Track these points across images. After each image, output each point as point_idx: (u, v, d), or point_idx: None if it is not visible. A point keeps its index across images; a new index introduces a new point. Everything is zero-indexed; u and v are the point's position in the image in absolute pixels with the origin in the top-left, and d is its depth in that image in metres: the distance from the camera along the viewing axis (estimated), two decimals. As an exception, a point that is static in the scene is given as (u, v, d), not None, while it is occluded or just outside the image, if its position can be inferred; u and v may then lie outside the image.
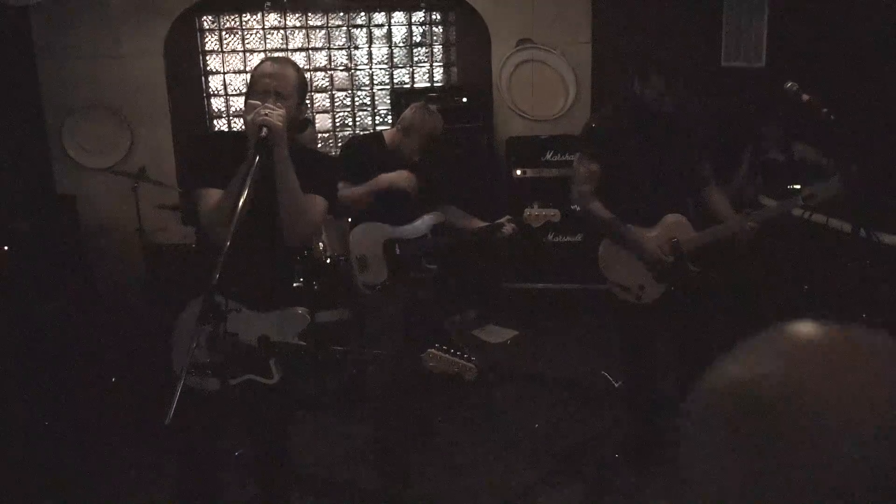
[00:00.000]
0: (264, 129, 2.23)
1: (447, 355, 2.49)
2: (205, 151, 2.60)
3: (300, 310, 2.54)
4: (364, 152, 3.41)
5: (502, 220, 3.48)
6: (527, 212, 3.45)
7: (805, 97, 2.91)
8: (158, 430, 3.60)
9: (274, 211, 2.40)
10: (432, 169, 3.54)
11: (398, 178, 3.32)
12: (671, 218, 3.18)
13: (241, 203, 2.09)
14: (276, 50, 5.65)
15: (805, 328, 0.66)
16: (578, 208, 3.29)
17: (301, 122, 2.77)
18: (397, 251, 3.39)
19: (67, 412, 3.92)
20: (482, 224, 3.55)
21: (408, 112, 3.47)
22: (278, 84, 2.38)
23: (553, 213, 3.42)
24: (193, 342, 2.07)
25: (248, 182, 2.13)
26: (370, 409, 3.72)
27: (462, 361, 2.48)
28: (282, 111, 2.31)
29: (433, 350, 2.51)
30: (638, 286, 3.22)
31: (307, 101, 2.52)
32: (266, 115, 2.27)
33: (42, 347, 4.13)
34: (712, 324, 3.35)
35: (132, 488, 3.41)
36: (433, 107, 3.56)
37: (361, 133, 5.77)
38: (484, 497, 3.31)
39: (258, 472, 2.84)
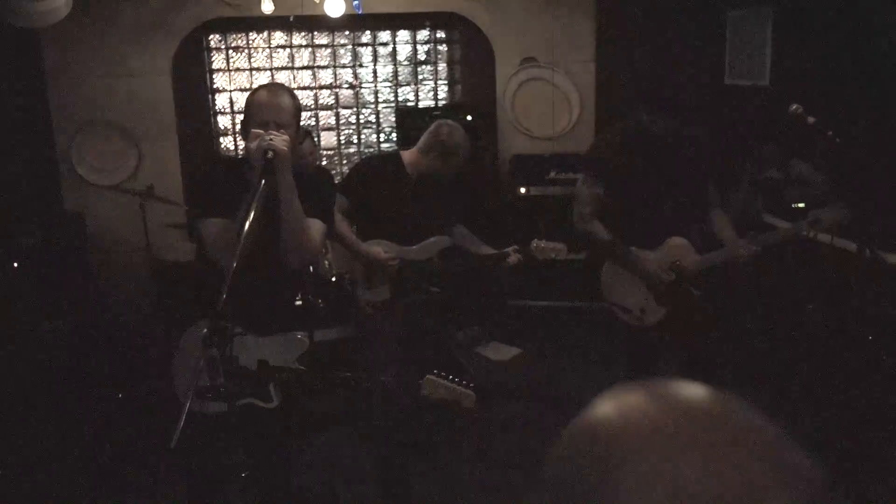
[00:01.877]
0: (270, 153, 2.27)
1: (445, 381, 2.48)
2: (207, 180, 2.61)
3: (300, 334, 2.57)
4: (378, 174, 3.42)
5: (509, 249, 3.47)
6: (534, 244, 3.45)
7: (810, 120, 2.93)
8: (163, 450, 3.64)
9: (276, 235, 2.42)
10: (443, 189, 3.55)
11: (377, 254, 3.32)
12: (674, 241, 3.19)
13: (246, 227, 2.13)
14: (282, 69, 5.71)
15: (673, 388, 0.65)
16: (579, 229, 3.30)
17: (301, 134, 2.80)
18: (402, 271, 3.40)
19: (72, 430, 3.94)
20: (489, 251, 3.55)
21: (434, 130, 3.39)
22: (276, 115, 2.41)
23: (560, 249, 3.41)
24: (199, 365, 2.10)
25: (254, 207, 2.17)
26: (371, 428, 3.72)
27: (460, 388, 2.46)
28: (286, 137, 2.36)
29: (431, 377, 2.49)
30: (639, 309, 3.23)
31: (308, 122, 2.56)
32: (271, 140, 2.31)
33: (48, 364, 4.16)
34: (713, 348, 3.36)
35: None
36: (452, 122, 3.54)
37: (379, 153, 5.76)
38: (487, 517, 3.31)
39: (259, 495, 2.85)
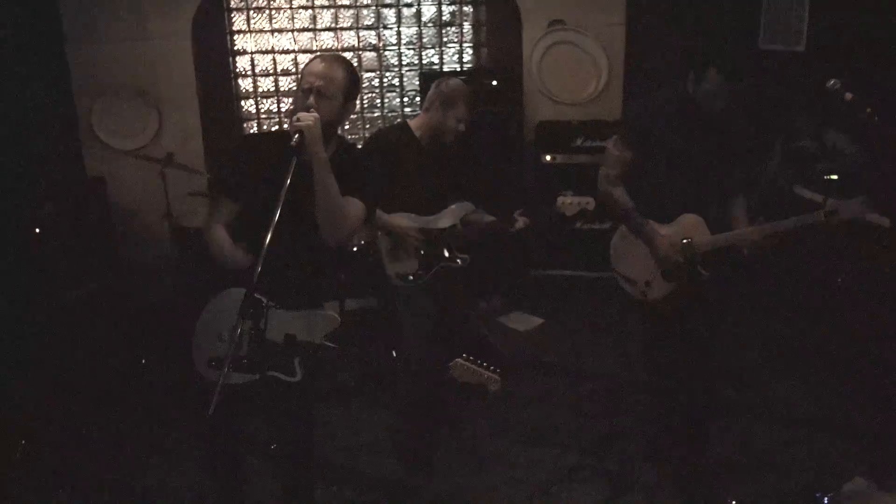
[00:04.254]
0: (296, 137, 2.29)
1: (473, 366, 2.50)
2: (232, 160, 2.61)
3: (330, 312, 2.56)
4: (391, 145, 3.36)
5: (515, 214, 3.46)
6: (560, 199, 3.41)
7: (848, 96, 2.80)
8: (186, 417, 3.69)
9: (308, 211, 2.40)
10: (456, 159, 3.50)
11: (402, 227, 3.32)
12: (688, 218, 3.10)
13: (279, 206, 2.16)
14: (304, 30, 5.60)
15: None
16: (601, 190, 3.23)
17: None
18: (428, 242, 3.37)
19: (96, 398, 3.98)
20: (492, 219, 3.52)
21: (437, 88, 3.37)
22: (323, 84, 2.41)
23: (587, 201, 3.37)
24: (235, 335, 2.14)
25: (286, 185, 2.20)
26: (394, 399, 3.73)
27: (487, 373, 2.50)
28: (314, 115, 2.34)
29: (460, 360, 2.53)
30: (644, 282, 3.18)
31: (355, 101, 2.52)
32: (298, 119, 2.32)
33: (71, 330, 4.19)
34: (716, 330, 3.29)
35: (157, 476, 3.46)
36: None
37: (388, 125, 5.70)
38: (506, 491, 3.31)
39: (281, 466, 2.87)
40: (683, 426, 3.44)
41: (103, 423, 3.81)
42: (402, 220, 3.36)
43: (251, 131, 5.67)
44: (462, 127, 3.38)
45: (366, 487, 3.39)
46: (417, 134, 3.39)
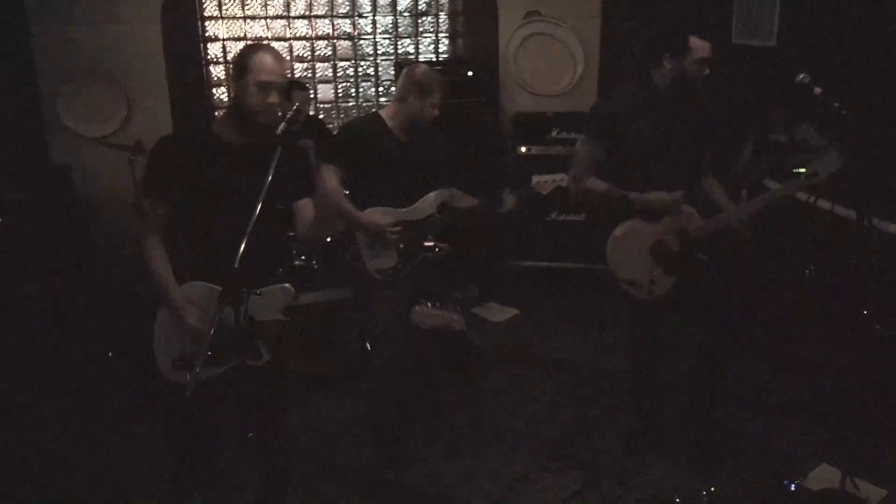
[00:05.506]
0: (282, 126, 2.30)
1: (436, 309, 2.53)
2: (164, 161, 2.50)
3: (284, 284, 2.54)
4: (364, 137, 3.32)
5: (502, 194, 3.46)
6: (535, 179, 3.43)
7: (817, 90, 2.82)
8: (157, 410, 3.62)
9: (268, 199, 2.36)
10: (431, 148, 3.47)
11: (378, 223, 3.26)
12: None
13: (262, 196, 2.18)
14: (278, 17, 5.52)
15: None
16: (574, 191, 3.22)
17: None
18: (406, 234, 3.34)
19: (64, 390, 3.90)
20: (475, 202, 3.51)
21: (410, 77, 3.31)
22: (280, 81, 2.46)
23: (561, 178, 3.41)
24: (212, 329, 2.14)
25: (270, 174, 2.21)
26: (369, 388, 3.70)
27: (449, 314, 2.53)
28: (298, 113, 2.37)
29: (419, 307, 2.54)
30: (648, 281, 3.16)
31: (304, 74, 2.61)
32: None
33: (38, 321, 4.10)
34: (724, 315, 3.31)
35: (129, 466, 3.40)
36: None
37: (359, 116, 5.66)
38: (482, 482, 3.30)
39: (256, 455, 2.84)
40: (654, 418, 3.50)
41: (71, 416, 3.74)
42: (377, 217, 3.30)
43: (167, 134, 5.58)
44: (437, 112, 3.36)
45: (341, 479, 3.36)
46: (391, 124, 3.35)
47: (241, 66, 2.45)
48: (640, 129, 3.06)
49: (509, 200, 3.48)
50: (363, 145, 3.27)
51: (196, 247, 2.50)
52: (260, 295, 2.44)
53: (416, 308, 2.57)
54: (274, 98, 2.42)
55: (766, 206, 3.06)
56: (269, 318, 2.52)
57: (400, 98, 3.34)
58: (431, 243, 3.43)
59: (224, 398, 2.67)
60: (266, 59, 2.43)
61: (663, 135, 3.08)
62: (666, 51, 3.04)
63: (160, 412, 3.44)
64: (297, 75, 5.68)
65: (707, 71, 3.06)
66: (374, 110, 3.84)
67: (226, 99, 5.59)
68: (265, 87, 2.41)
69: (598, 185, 3.17)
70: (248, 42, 2.57)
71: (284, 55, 5.61)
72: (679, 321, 3.52)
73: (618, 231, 3.20)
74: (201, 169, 2.44)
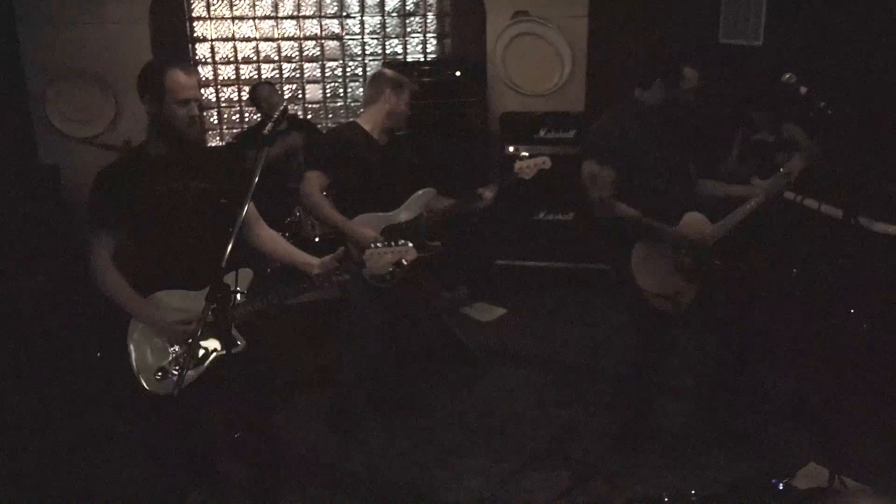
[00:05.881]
0: (269, 126, 2.33)
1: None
2: (105, 189, 2.57)
3: (244, 269, 2.58)
4: (349, 143, 3.36)
5: (480, 190, 3.48)
6: (517, 164, 3.46)
7: (803, 90, 2.85)
8: (147, 409, 3.61)
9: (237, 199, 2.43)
10: (410, 150, 3.50)
11: (364, 235, 3.27)
12: (690, 216, 3.17)
13: (248, 198, 2.24)
14: (265, 18, 5.52)
15: None
16: (601, 215, 3.18)
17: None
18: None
19: (51, 391, 3.88)
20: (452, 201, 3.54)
21: (380, 79, 3.41)
22: (198, 94, 2.55)
23: (543, 161, 3.45)
24: (199, 329, 2.16)
25: (256, 176, 2.25)
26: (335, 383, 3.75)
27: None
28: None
29: (369, 250, 2.53)
30: (674, 293, 3.17)
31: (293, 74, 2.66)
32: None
33: (23, 322, 4.07)
34: (745, 320, 3.36)
35: (122, 469, 3.39)
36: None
37: (339, 125, 5.68)
38: (471, 481, 3.31)
39: (246, 452, 2.87)
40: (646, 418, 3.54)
41: (60, 417, 3.72)
42: (366, 229, 3.30)
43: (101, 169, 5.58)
44: (409, 111, 3.45)
45: (328, 479, 3.36)
46: (368, 128, 3.39)
47: (154, 88, 2.48)
48: (634, 143, 3.11)
49: (487, 192, 3.48)
50: (347, 150, 3.31)
51: (160, 259, 2.57)
52: (244, 294, 2.51)
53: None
54: (195, 111, 2.51)
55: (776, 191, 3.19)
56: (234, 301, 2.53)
57: (372, 101, 3.39)
58: (423, 244, 3.43)
59: (213, 397, 2.69)
60: (180, 77, 2.48)
61: (654, 147, 3.12)
62: (659, 77, 3.12)
63: (147, 426, 3.46)
64: (285, 76, 5.68)
65: (693, 98, 3.13)
66: (350, 119, 3.89)
67: (214, 99, 5.58)
68: (185, 103, 2.48)
69: (628, 210, 3.14)
70: (149, 62, 2.59)
71: (272, 55, 5.62)
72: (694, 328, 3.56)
73: (640, 246, 3.18)
74: (145, 188, 2.52)
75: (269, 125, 2.34)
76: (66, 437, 3.60)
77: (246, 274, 2.62)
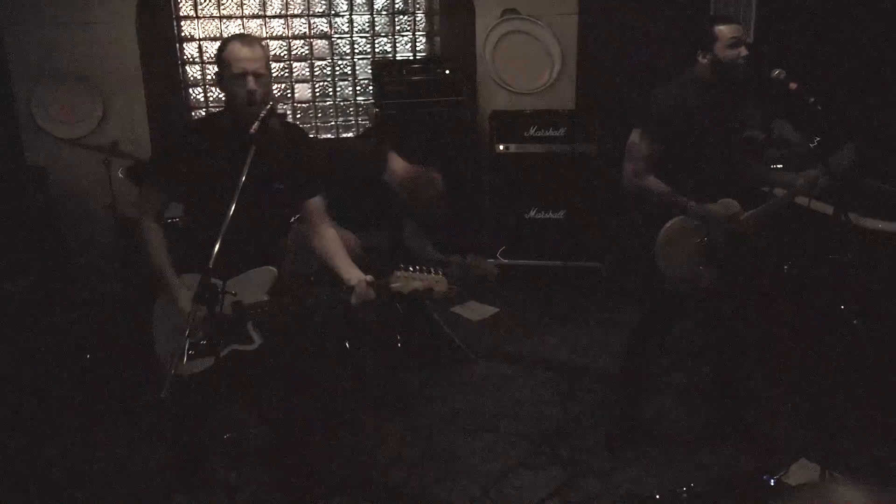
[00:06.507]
0: (256, 125, 2.34)
1: (414, 273, 2.48)
2: (169, 146, 2.64)
3: (266, 267, 2.58)
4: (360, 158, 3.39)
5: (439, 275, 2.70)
6: (469, 259, 3.40)
7: (793, 85, 2.84)
8: (140, 410, 3.60)
9: (255, 193, 2.44)
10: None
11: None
12: (724, 202, 3.13)
13: (237, 193, 2.23)
14: (254, 17, 5.49)
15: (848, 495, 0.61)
16: (630, 185, 3.14)
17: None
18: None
19: (39, 394, 3.85)
20: (432, 257, 3.58)
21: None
22: (256, 66, 2.46)
23: (492, 271, 3.40)
24: (189, 323, 2.15)
25: (244, 172, 2.25)
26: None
27: (430, 275, 2.47)
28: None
29: (398, 271, 2.49)
30: (694, 274, 3.15)
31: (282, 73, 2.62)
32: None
33: (11, 323, 4.04)
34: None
35: (116, 470, 3.36)
36: None
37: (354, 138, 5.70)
38: (462, 480, 3.30)
39: (274, 456, 2.99)
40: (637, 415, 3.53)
41: (47, 419, 3.69)
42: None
43: (191, 119, 5.53)
44: None
45: (317, 477, 3.34)
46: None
47: (218, 65, 2.50)
48: (700, 119, 3.05)
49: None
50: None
51: (192, 238, 2.55)
52: (235, 295, 2.47)
53: (396, 272, 2.52)
54: (252, 84, 2.43)
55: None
56: (255, 300, 2.54)
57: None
58: None
59: (218, 392, 2.69)
60: (235, 49, 2.45)
61: (704, 124, 3.06)
62: (696, 47, 3.05)
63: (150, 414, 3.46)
64: (273, 74, 5.63)
65: (744, 51, 2.99)
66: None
67: (202, 99, 5.55)
68: (241, 77, 2.43)
69: (658, 186, 3.09)
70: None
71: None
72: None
73: (667, 227, 3.15)
74: (197, 158, 2.48)
75: (256, 124, 2.34)
76: (51, 438, 3.57)
77: (268, 273, 2.58)
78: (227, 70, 2.46)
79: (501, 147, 5.31)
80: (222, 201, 2.27)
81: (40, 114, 4.88)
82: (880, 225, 3.72)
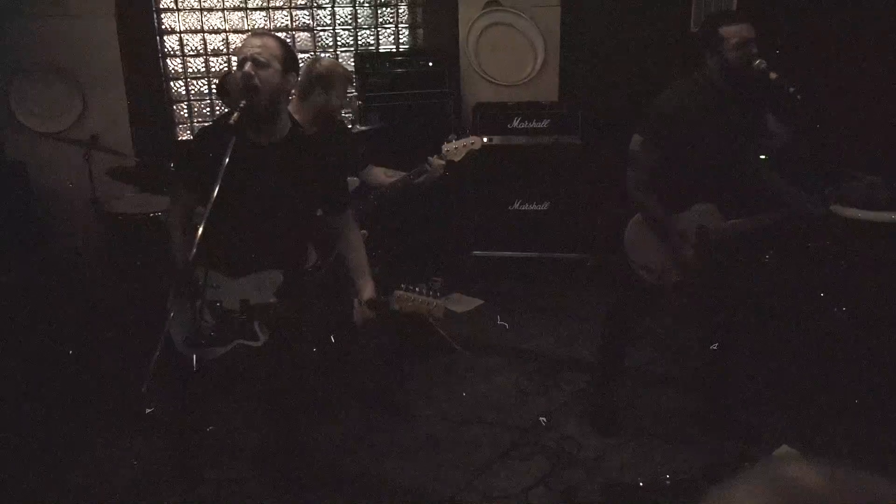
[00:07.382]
0: (235, 115, 2.36)
1: (414, 294, 2.55)
2: (196, 148, 2.64)
3: (273, 270, 2.63)
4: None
5: (424, 166, 3.46)
6: (444, 147, 3.45)
7: (773, 75, 2.86)
8: (126, 406, 3.58)
9: (275, 203, 2.53)
10: (338, 139, 3.47)
11: None
12: (701, 206, 3.10)
13: (218, 184, 2.27)
14: (235, 9, 5.45)
15: (799, 471, 0.63)
16: (634, 196, 3.10)
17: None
18: None
19: (25, 389, 3.82)
20: (401, 174, 3.54)
21: (311, 72, 3.27)
22: (258, 51, 2.43)
23: (472, 141, 3.43)
24: (197, 313, 2.29)
25: (224, 164, 2.28)
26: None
27: (429, 299, 2.55)
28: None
29: (400, 291, 2.56)
30: (660, 269, 3.16)
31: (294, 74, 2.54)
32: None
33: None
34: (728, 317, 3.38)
35: (104, 465, 3.34)
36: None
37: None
38: (447, 470, 3.31)
39: (264, 449, 3.03)
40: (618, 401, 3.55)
41: (30, 415, 3.66)
42: None
43: (206, 124, 5.50)
44: (342, 103, 3.38)
45: (306, 472, 3.34)
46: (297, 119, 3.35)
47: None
48: (703, 127, 2.96)
49: (435, 163, 3.46)
50: None
51: (213, 235, 2.50)
52: (217, 288, 2.53)
53: (396, 292, 2.59)
54: (250, 68, 2.41)
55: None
56: (263, 300, 2.60)
57: (303, 95, 3.29)
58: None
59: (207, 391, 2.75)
60: (245, 41, 2.49)
61: (725, 131, 2.98)
62: (703, 49, 2.97)
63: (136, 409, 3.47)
64: (291, 78, 5.60)
65: (754, 50, 2.89)
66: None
67: (184, 92, 5.51)
68: (241, 64, 2.44)
69: (656, 209, 3.06)
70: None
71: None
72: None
73: (634, 220, 3.16)
74: (214, 163, 2.45)
75: (236, 115, 2.34)
76: (36, 435, 3.54)
77: (274, 276, 2.62)
78: (237, 66, 2.48)
79: (485, 139, 5.30)
80: (232, 201, 2.37)
81: (20, 108, 4.83)
82: (860, 214, 3.76)
